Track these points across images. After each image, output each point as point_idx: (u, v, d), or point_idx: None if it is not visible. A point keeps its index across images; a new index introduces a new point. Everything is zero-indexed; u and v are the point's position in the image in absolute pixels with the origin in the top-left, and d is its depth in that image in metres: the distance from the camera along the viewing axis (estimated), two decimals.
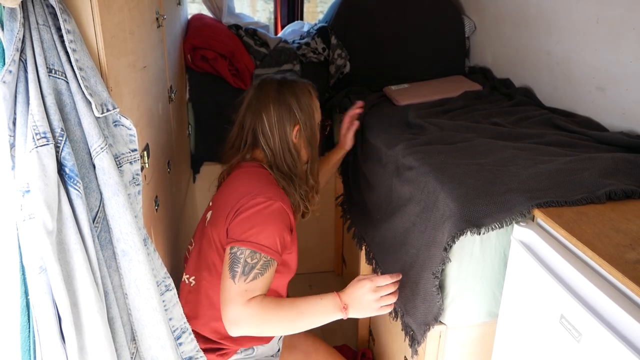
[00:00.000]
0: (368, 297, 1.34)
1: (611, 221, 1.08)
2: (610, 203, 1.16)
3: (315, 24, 2.70)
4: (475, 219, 1.18)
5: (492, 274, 1.32)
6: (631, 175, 1.26)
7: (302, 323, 1.37)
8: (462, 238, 1.21)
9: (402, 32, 2.43)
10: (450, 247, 1.22)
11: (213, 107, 2.34)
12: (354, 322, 2.17)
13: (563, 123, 1.66)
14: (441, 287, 1.32)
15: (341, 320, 1.38)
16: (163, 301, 1.16)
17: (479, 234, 1.18)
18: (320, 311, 1.36)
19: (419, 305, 1.37)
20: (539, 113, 1.79)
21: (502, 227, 1.18)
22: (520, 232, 1.16)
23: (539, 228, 1.15)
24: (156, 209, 1.46)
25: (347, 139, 1.93)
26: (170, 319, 1.21)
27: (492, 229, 1.18)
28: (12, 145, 0.90)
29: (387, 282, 1.36)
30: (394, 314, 1.49)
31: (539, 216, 1.14)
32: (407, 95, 2.12)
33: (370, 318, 2.13)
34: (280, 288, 1.57)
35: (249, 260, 1.32)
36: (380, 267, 1.63)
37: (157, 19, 1.61)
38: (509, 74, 2.17)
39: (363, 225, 1.85)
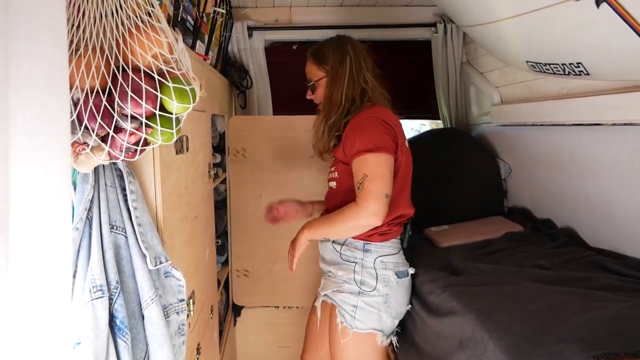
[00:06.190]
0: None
1: None
2: None
3: None
4: None
5: None
6: None
7: None
8: None
9: (439, 176, 2.52)
10: None
11: None
12: None
13: (612, 265, 1.61)
14: None
15: None
16: None
17: None
18: None
19: None
20: (585, 255, 1.75)
21: None
22: None
23: None
24: (197, 358, 1.45)
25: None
26: None
27: None
28: None
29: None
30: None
31: None
32: (448, 237, 2.13)
33: None
34: None
35: None
36: None
37: (208, 171, 1.75)
38: (549, 215, 2.17)
39: None
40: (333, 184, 1.75)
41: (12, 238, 0.52)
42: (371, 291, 1.68)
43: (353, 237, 1.70)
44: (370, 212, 1.54)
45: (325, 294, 1.74)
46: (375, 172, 1.57)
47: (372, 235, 1.69)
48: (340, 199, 1.69)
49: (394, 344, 1.77)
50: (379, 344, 1.70)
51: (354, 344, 1.67)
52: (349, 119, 1.69)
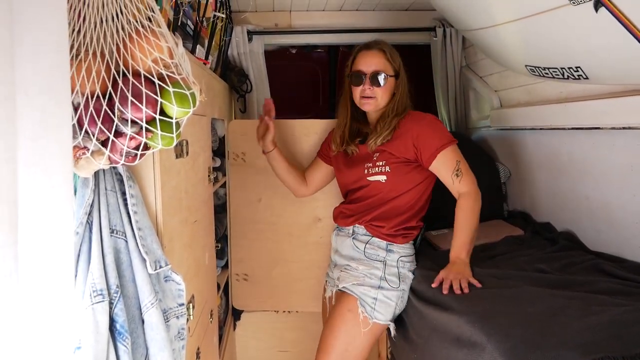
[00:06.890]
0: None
1: None
2: None
3: None
4: None
5: None
6: None
7: None
8: None
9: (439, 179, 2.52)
10: None
11: None
12: None
13: (612, 269, 1.61)
14: None
15: None
16: None
17: None
18: None
19: None
20: (585, 258, 1.75)
21: None
22: None
23: None
24: None
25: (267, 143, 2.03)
26: None
27: None
28: None
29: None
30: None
31: None
32: (448, 241, 2.12)
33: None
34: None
35: None
36: None
37: (208, 175, 1.75)
38: (549, 218, 2.18)
39: None
40: (382, 177, 1.83)
41: (20, 240, 0.52)
42: (393, 286, 1.79)
43: (378, 237, 1.85)
44: (479, 191, 1.80)
45: (344, 286, 1.82)
46: (462, 158, 1.84)
47: (397, 237, 1.85)
48: (387, 192, 1.85)
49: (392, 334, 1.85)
50: (392, 335, 1.82)
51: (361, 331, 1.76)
52: (400, 120, 1.85)
